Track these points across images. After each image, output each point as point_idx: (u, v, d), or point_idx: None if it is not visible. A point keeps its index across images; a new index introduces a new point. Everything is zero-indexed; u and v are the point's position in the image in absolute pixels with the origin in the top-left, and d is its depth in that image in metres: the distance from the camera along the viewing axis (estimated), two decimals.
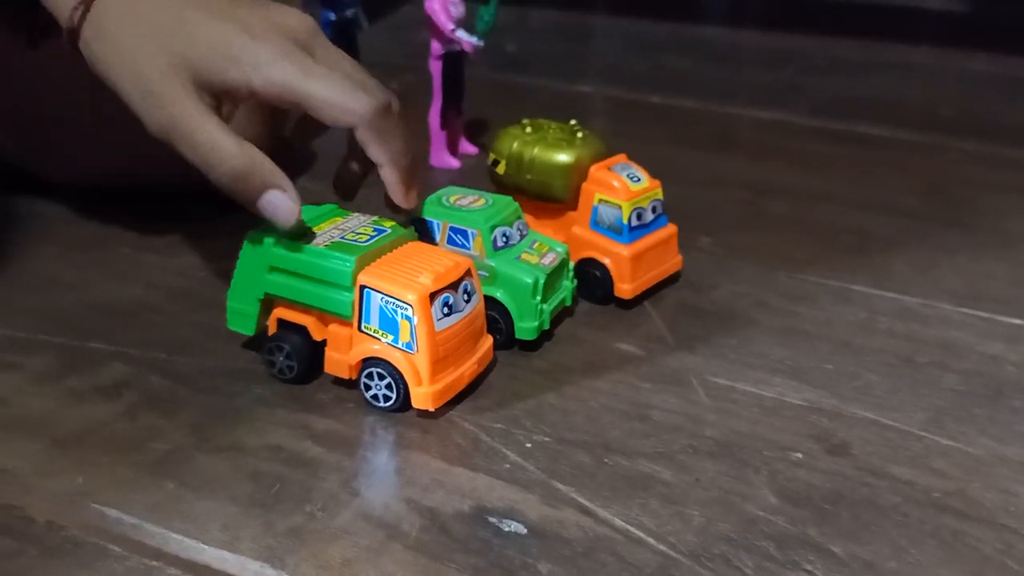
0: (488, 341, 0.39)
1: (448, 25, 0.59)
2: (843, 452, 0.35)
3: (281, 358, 0.37)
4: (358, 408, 0.37)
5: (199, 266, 0.48)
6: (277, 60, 0.35)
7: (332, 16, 0.67)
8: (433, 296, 0.35)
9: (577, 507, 0.32)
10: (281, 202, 0.35)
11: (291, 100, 0.35)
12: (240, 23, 0.35)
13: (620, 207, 0.45)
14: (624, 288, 0.45)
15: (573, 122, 0.48)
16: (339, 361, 0.37)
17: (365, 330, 0.36)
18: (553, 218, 0.47)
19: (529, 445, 0.35)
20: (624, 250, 0.45)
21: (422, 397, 0.35)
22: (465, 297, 0.37)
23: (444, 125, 0.63)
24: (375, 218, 0.39)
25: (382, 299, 0.35)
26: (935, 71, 0.97)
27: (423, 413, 0.36)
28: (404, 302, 0.35)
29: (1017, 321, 0.46)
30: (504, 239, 0.42)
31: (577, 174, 0.46)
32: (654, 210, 0.46)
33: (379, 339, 0.36)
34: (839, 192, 0.62)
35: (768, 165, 0.68)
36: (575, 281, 0.45)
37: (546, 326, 0.42)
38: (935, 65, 1.00)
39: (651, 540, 0.31)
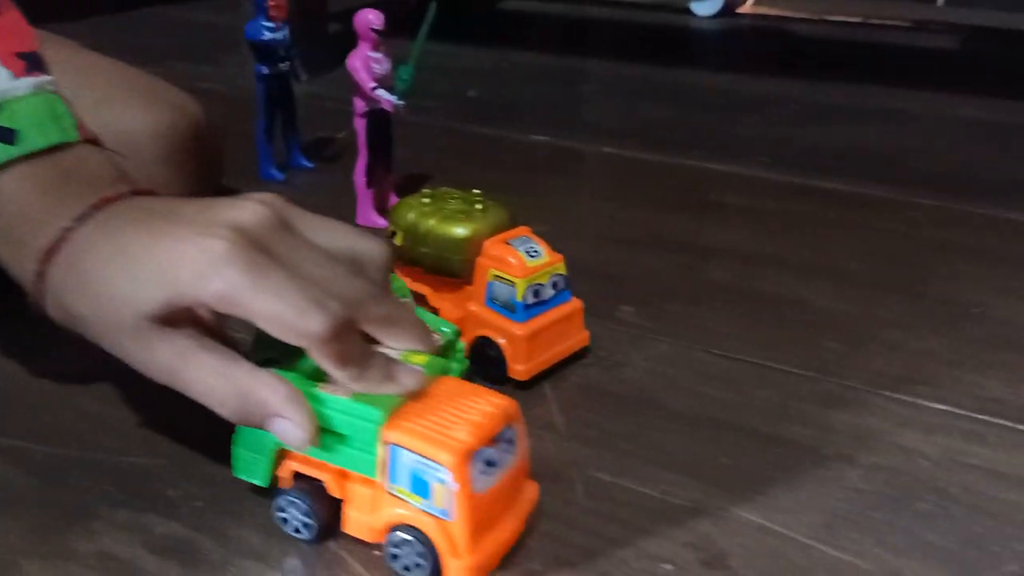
0: (532, 488, 0.34)
1: (368, 83, 0.57)
2: (719, 564, 0.33)
3: (296, 515, 0.33)
4: (206, 508, 0.35)
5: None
6: (220, 270, 0.30)
7: (265, 70, 0.66)
8: (472, 455, 0.30)
9: None
10: (285, 431, 0.31)
11: (237, 311, 0.30)
12: (178, 227, 0.31)
13: (514, 284, 0.42)
14: (518, 369, 0.43)
15: (476, 191, 0.46)
16: (362, 523, 0.32)
17: (393, 491, 0.31)
18: (452, 292, 0.45)
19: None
20: (518, 329, 0.42)
21: (460, 572, 0.30)
22: (507, 447, 0.32)
23: (371, 183, 0.61)
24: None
25: (413, 458, 0.30)
26: (914, 117, 0.95)
27: None
28: (438, 463, 0.30)
29: (943, 407, 0.42)
30: None
31: (473, 248, 0.44)
32: (555, 286, 0.44)
33: (409, 502, 0.31)
34: (786, 256, 0.60)
35: (718, 224, 0.65)
36: (465, 362, 0.42)
37: None
38: (916, 111, 0.97)
39: None
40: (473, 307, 0.44)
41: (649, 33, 1.40)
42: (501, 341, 0.43)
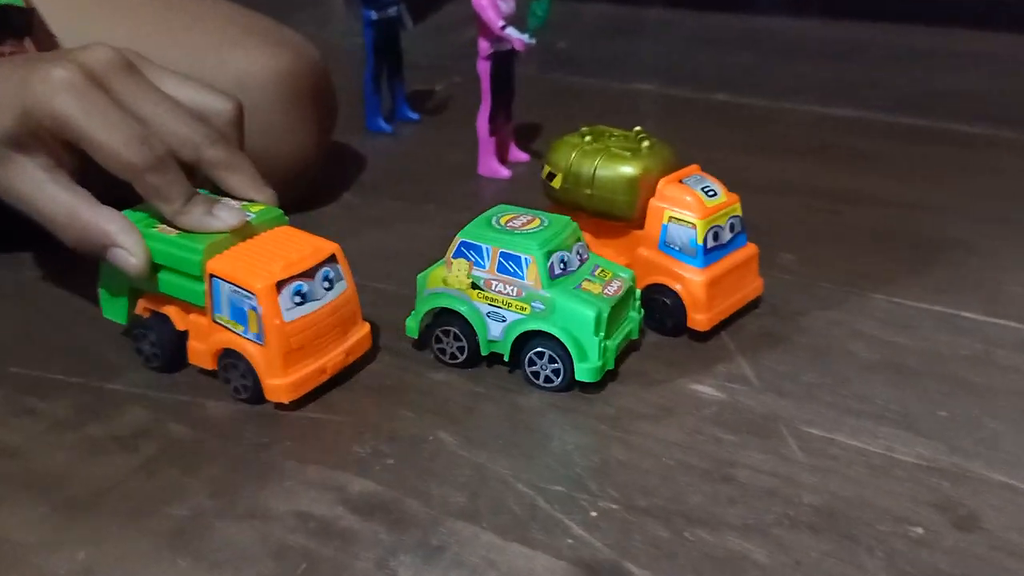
0: (363, 329, 0.37)
1: (497, 22, 0.54)
2: (973, 526, 0.30)
3: (146, 346, 0.37)
4: (399, 464, 0.32)
5: None
6: (58, 93, 0.33)
7: (373, 15, 0.63)
8: (281, 285, 0.34)
9: None
10: (120, 259, 0.35)
11: (70, 136, 0.34)
12: (34, 62, 0.35)
13: (694, 226, 0.39)
14: (699, 318, 0.40)
15: (638, 128, 0.43)
16: (201, 351, 0.36)
17: (218, 320, 0.35)
18: (616, 238, 0.42)
19: (595, 514, 0.30)
20: (699, 275, 0.39)
21: (275, 390, 0.34)
22: (326, 285, 0.35)
23: (493, 131, 0.58)
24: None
25: (230, 289, 0.34)
26: (1008, 60, 0.89)
27: (468, 469, 0.31)
28: (250, 292, 0.33)
29: None
30: (562, 266, 0.37)
31: (644, 189, 0.40)
32: (732, 228, 0.41)
33: (232, 330, 0.34)
34: (933, 199, 0.56)
35: (848, 169, 0.61)
36: (642, 311, 0.39)
37: (610, 365, 0.36)
38: (1007, 53, 0.91)
39: None
40: (644, 252, 0.41)
41: None
42: (678, 288, 0.40)
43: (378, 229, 0.52)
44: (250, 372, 0.34)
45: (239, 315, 0.34)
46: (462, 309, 0.37)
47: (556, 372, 0.36)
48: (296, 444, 0.34)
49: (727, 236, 0.41)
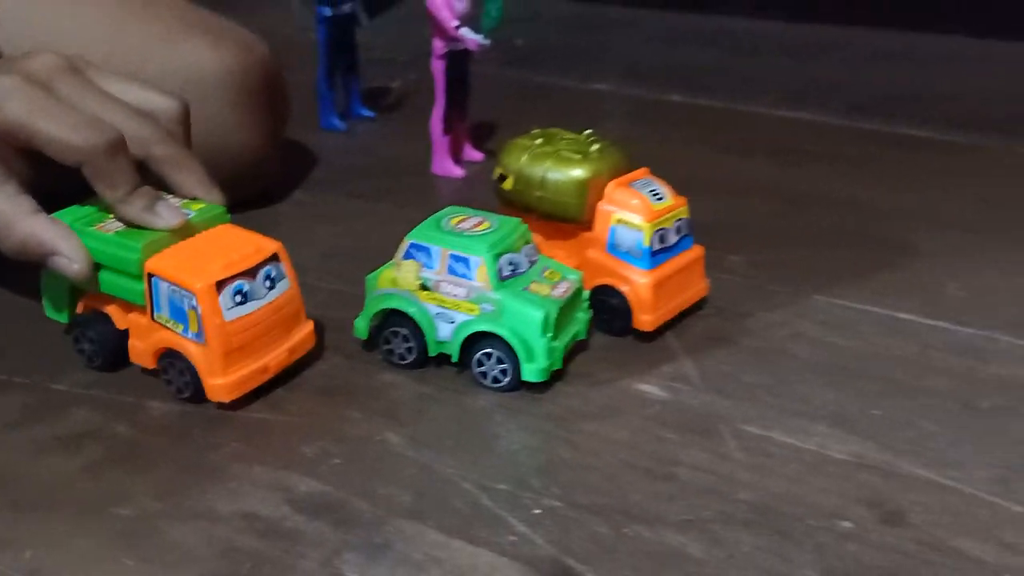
0: (306, 327, 0.38)
1: (451, 22, 0.54)
2: (900, 521, 0.31)
3: (87, 345, 0.37)
4: (345, 465, 0.33)
5: None
6: (3, 101, 0.34)
7: (328, 12, 0.63)
8: (221, 284, 0.34)
9: None
10: (62, 266, 0.35)
11: (22, 138, 0.34)
12: None
13: (641, 229, 0.40)
14: (645, 319, 0.40)
15: (589, 131, 0.44)
16: (142, 350, 0.36)
17: (158, 319, 0.35)
18: (565, 239, 0.43)
19: (538, 511, 0.31)
20: (645, 277, 0.40)
21: (215, 389, 0.35)
22: (268, 284, 0.35)
23: (447, 130, 0.58)
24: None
25: (169, 288, 0.34)
26: (976, 62, 0.92)
27: (416, 470, 0.32)
28: (189, 291, 0.33)
29: None
30: (511, 268, 0.37)
31: (593, 191, 0.41)
32: (678, 231, 0.42)
33: (172, 329, 0.34)
34: (885, 202, 0.57)
35: (801, 171, 0.63)
36: (590, 312, 0.40)
37: (558, 365, 0.37)
38: (976, 55, 0.94)
39: None
40: (592, 254, 0.42)
41: None
42: (625, 289, 0.41)
43: (330, 228, 0.52)
44: (190, 371, 0.35)
45: (179, 314, 0.34)
46: (411, 310, 0.37)
47: (504, 372, 0.37)
48: (242, 445, 0.34)
49: (673, 239, 0.42)
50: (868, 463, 0.33)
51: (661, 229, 0.41)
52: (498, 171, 0.43)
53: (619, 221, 0.41)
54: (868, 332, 0.42)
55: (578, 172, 0.41)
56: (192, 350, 0.34)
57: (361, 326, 0.39)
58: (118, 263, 0.35)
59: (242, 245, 0.35)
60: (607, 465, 0.33)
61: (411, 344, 0.38)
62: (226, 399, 0.35)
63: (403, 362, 0.38)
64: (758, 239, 0.52)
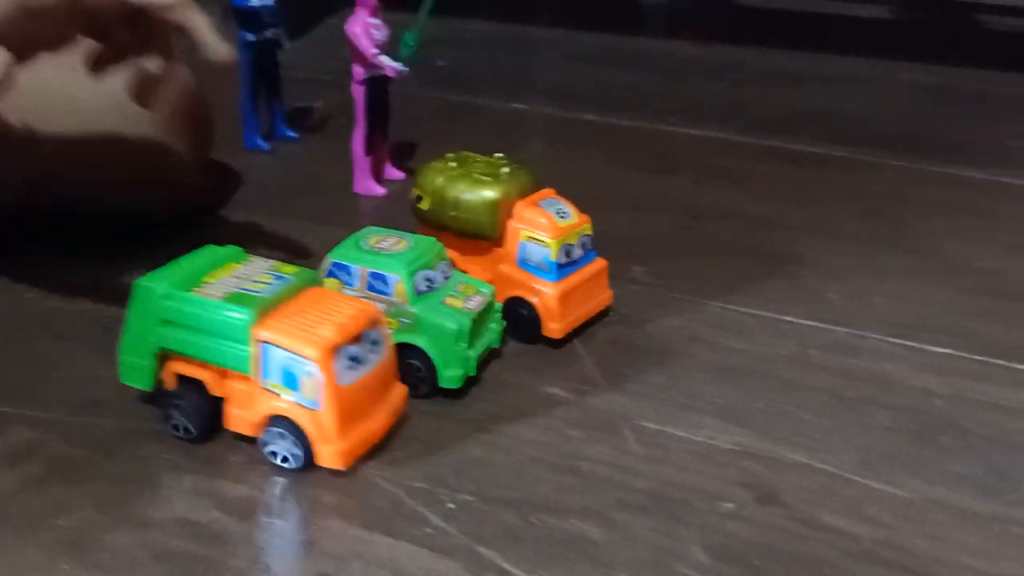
0: (401, 391, 0.37)
1: (371, 50, 0.57)
2: (774, 500, 0.35)
3: (179, 415, 0.35)
4: (273, 471, 0.35)
5: (108, 311, 0.45)
6: None
7: (250, 36, 0.64)
8: (336, 350, 0.33)
9: (500, 574, 0.31)
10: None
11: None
12: None
13: (548, 245, 0.44)
14: (553, 327, 0.44)
15: (499, 155, 0.47)
16: (241, 418, 0.35)
17: (267, 386, 0.34)
18: (480, 255, 0.46)
19: (452, 506, 0.34)
20: (552, 288, 0.44)
21: (330, 456, 0.34)
22: (372, 348, 0.35)
23: (369, 150, 0.61)
24: (274, 263, 0.37)
25: (283, 354, 0.33)
26: (869, 82, 0.98)
27: (339, 472, 0.34)
28: (306, 358, 0.33)
29: (946, 351, 0.46)
30: (427, 283, 0.40)
31: (503, 210, 0.44)
32: (583, 246, 0.45)
33: (282, 395, 0.34)
34: (773, 214, 0.62)
35: (703, 186, 0.67)
36: (503, 322, 0.43)
37: (472, 372, 0.40)
38: (868, 75, 1.01)
39: None
40: (504, 268, 0.45)
41: (599, 2, 1.41)
42: (535, 300, 0.44)
43: (255, 247, 0.54)
44: (301, 439, 0.34)
45: (291, 380, 0.33)
46: None
47: (423, 380, 0.39)
48: (174, 457, 0.36)
49: (578, 253, 0.45)
50: (750, 451, 0.37)
51: (566, 244, 0.44)
52: (415, 192, 0.46)
53: (528, 238, 0.44)
54: (756, 334, 0.47)
55: (489, 193, 0.44)
56: (305, 417, 0.33)
57: None
58: (224, 329, 0.34)
59: (342, 309, 0.35)
60: (517, 462, 0.36)
61: None
62: (341, 466, 0.34)
63: None
64: (661, 251, 0.56)
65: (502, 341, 0.43)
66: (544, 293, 0.44)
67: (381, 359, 0.36)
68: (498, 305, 0.43)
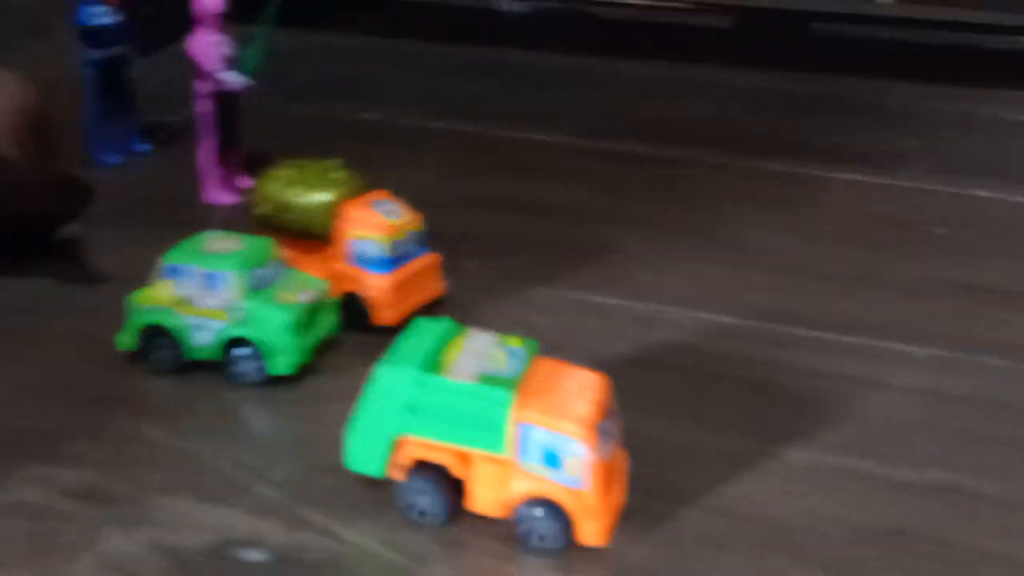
0: (625, 459, 0.37)
1: (216, 67, 0.60)
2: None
3: (422, 501, 0.35)
4: (110, 457, 0.38)
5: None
6: None
7: (95, 54, 0.66)
8: (597, 427, 0.34)
9: (320, 529, 0.35)
10: None
11: None
12: None
13: (379, 241, 0.48)
14: (385, 315, 0.48)
15: (333, 161, 0.51)
16: (493, 500, 0.35)
17: (526, 467, 0.34)
18: (316, 254, 0.50)
19: (278, 476, 0.37)
20: (383, 280, 0.48)
21: (595, 533, 0.34)
22: (611, 416, 0.35)
23: (221, 161, 0.63)
24: (499, 336, 0.38)
25: (544, 435, 0.33)
26: (697, 88, 1.07)
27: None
28: (572, 437, 0.33)
29: (734, 321, 0.52)
30: (260, 280, 0.44)
31: (336, 211, 0.48)
32: (415, 241, 0.50)
33: (542, 476, 0.34)
34: (599, 209, 0.68)
35: (535, 185, 0.73)
36: (339, 313, 0.47)
37: (306, 359, 0.44)
38: (700, 81, 1.09)
39: (390, 553, 0.34)
40: (339, 265, 0.49)
41: (457, 16, 1.47)
42: (367, 292, 0.48)
43: (104, 258, 0.56)
44: (561, 518, 0.34)
45: (552, 460, 0.33)
46: (169, 323, 0.43)
47: (257, 369, 0.43)
48: (13, 448, 0.38)
49: (408, 248, 0.50)
50: None
51: (396, 241, 0.49)
52: (255, 199, 0.50)
53: (359, 235, 0.48)
54: (570, 314, 0.52)
55: (323, 196, 0.48)
56: (567, 496, 0.33)
57: (124, 340, 0.44)
58: (482, 412, 0.34)
59: (579, 380, 0.35)
60: (336, 435, 0.40)
61: (172, 352, 0.43)
62: (603, 544, 0.34)
63: (167, 369, 0.44)
64: (493, 246, 0.61)
65: (340, 332, 0.47)
66: (375, 285, 0.48)
67: (618, 429, 0.36)
68: (335, 299, 0.47)
